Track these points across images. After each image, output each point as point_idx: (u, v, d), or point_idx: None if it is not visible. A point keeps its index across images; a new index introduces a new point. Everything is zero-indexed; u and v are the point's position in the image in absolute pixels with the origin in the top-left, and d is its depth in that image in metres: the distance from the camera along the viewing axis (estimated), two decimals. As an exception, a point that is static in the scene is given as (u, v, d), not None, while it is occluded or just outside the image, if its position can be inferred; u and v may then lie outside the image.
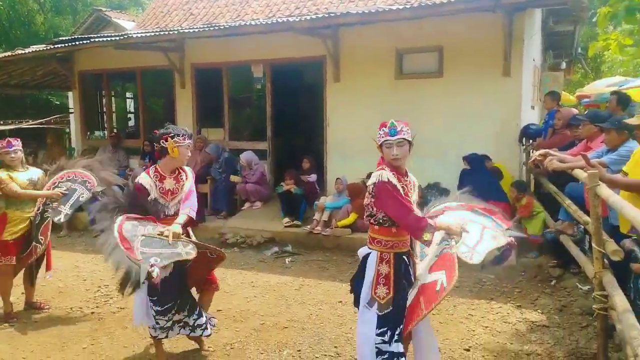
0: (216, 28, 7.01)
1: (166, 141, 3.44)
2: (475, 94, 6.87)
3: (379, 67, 7.37)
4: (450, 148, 6.99)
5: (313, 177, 7.64)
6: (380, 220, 2.81)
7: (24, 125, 14.90)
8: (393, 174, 2.75)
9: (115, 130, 10.22)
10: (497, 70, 6.72)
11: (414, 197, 2.86)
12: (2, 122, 15.01)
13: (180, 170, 3.60)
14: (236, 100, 10.09)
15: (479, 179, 5.98)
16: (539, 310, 4.58)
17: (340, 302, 4.80)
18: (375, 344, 2.73)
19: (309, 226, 6.80)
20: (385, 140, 2.75)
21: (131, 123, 11.93)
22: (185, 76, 8.81)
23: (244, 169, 7.91)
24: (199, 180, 6.45)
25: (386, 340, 2.72)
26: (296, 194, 7.12)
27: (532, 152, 6.25)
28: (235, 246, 6.83)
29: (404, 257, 2.85)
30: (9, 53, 9.28)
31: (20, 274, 4.68)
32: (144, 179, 3.43)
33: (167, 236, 3.20)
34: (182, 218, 3.41)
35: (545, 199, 5.95)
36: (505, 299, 4.85)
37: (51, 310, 4.68)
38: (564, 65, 12.25)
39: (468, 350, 3.85)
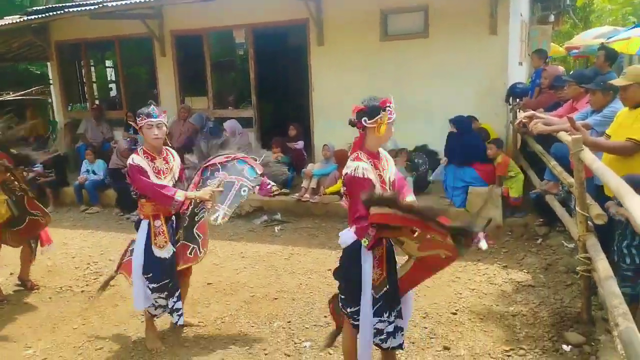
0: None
1: (137, 124, 3.40)
2: (461, 53, 6.75)
3: (364, 29, 7.19)
4: (436, 110, 6.93)
5: (300, 144, 7.57)
6: None
7: (4, 98, 14.56)
8: (370, 161, 2.66)
9: (97, 102, 9.99)
10: (484, 29, 6.59)
11: (389, 174, 2.78)
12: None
13: (168, 152, 3.55)
14: (219, 67, 9.85)
15: (466, 141, 5.96)
16: (524, 270, 4.67)
17: (330, 270, 4.75)
18: (374, 324, 2.70)
19: (297, 194, 6.79)
20: (390, 119, 2.63)
21: (113, 93, 11.65)
22: (165, 44, 8.56)
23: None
24: (185, 149, 6.36)
25: (384, 319, 2.70)
26: (283, 162, 7.05)
27: (519, 112, 6.22)
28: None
29: None
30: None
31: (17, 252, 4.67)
32: (138, 159, 3.36)
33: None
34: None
35: (532, 158, 5.95)
36: (492, 260, 4.92)
37: (41, 290, 4.68)
38: (552, 17, 12.05)
39: (455, 313, 3.92)
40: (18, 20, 8.49)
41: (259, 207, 6.85)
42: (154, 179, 3.35)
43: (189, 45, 8.70)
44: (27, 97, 14.97)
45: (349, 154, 2.83)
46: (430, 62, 6.95)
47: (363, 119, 2.67)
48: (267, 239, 5.92)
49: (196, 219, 3.62)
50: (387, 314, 2.71)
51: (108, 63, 11.98)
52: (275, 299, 4.29)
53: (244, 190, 3.59)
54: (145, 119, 3.35)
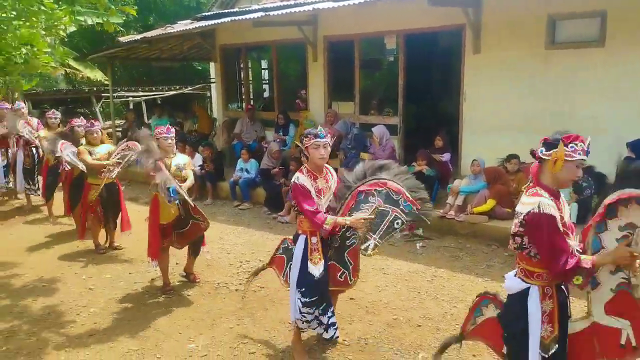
0: (349, 4, 6.80)
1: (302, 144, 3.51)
2: (644, 66, 5.92)
3: (527, 35, 6.65)
4: (608, 128, 6.16)
5: (446, 157, 7.29)
6: (532, 255, 2.48)
7: (173, 92, 16.35)
8: (552, 199, 2.42)
9: (251, 102, 10.69)
10: (678, 39, 5.69)
11: (566, 217, 2.50)
12: (154, 89, 16.63)
13: (327, 171, 3.63)
14: (367, 73, 9.90)
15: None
16: None
17: (477, 300, 4.59)
18: None
19: (441, 210, 6.56)
20: (580, 160, 2.37)
21: (266, 94, 12.37)
22: (318, 49, 8.82)
23: (373, 145, 7.80)
24: (329, 155, 6.52)
25: None
26: (429, 176, 6.86)
27: None
28: (364, 226, 6.85)
29: (563, 287, 2.56)
30: (161, 31, 10.05)
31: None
32: (303, 179, 3.48)
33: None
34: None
35: None
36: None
37: (201, 284, 5.14)
38: None
39: None
40: (189, 28, 9.38)
41: (400, 219, 6.75)
42: (315, 198, 3.45)
43: (340, 51, 8.86)
44: (193, 92, 16.66)
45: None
46: (605, 74, 6.20)
47: (540, 149, 2.46)
48: (408, 256, 5.81)
49: (347, 243, 3.64)
50: None
51: (263, 66, 12.74)
52: (419, 325, 4.19)
53: (397, 223, 3.44)
54: (312, 139, 3.43)
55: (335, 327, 3.60)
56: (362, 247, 3.47)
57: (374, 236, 3.44)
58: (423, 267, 5.43)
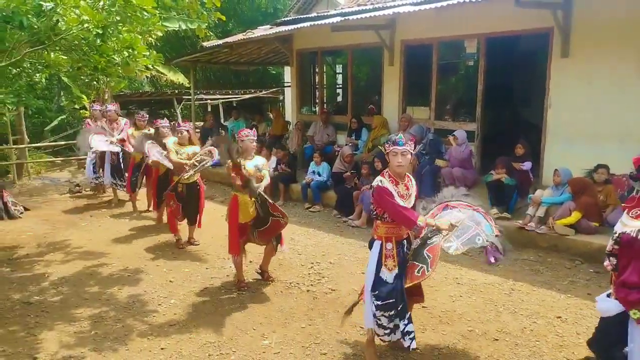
0: (433, 6, 6.68)
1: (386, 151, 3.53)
2: None
3: (623, 39, 6.22)
4: None
5: (527, 165, 6.96)
6: None
7: (246, 96, 16.89)
8: None
9: (325, 106, 10.79)
10: None
11: None
12: (230, 92, 17.26)
13: (409, 178, 3.63)
14: (445, 77, 9.70)
15: None
16: None
17: (559, 317, 4.35)
18: None
19: (520, 221, 6.26)
20: None
21: (339, 99, 12.45)
22: (395, 53, 8.76)
23: (448, 151, 7.61)
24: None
25: None
26: (507, 184, 6.59)
27: None
28: (437, 233, 6.70)
29: None
30: (241, 36, 10.41)
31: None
32: (385, 182, 3.50)
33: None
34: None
35: None
36: None
37: (274, 283, 5.24)
38: None
39: None
40: (268, 33, 9.63)
41: (476, 228, 6.53)
42: (398, 201, 3.43)
43: (417, 55, 8.74)
44: (266, 95, 17.15)
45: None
46: None
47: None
48: (484, 266, 5.60)
49: (428, 242, 3.62)
50: None
51: (337, 70, 12.84)
52: (496, 340, 4.02)
53: (479, 239, 3.60)
54: (391, 146, 3.46)
55: (412, 336, 3.53)
56: (446, 245, 3.56)
57: (457, 241, 3.57)
58: (499, 280, 5.22)
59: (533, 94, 7.50)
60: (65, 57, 4.47)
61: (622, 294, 2.28)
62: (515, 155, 7.14)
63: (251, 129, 5.71)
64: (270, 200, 4.94)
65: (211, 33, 12.36)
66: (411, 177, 3.67)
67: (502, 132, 8.62)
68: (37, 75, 5.55)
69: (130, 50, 3.82)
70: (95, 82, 9.19)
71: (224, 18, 4.73)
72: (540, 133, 7.23)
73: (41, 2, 3.83)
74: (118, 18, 3.70)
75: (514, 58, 9.53)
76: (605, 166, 6.03)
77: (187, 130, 6.32)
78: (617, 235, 2.29)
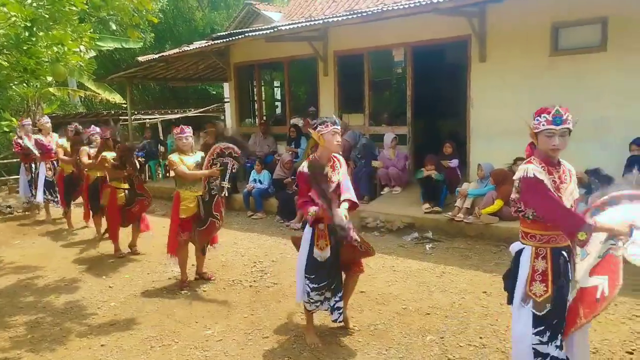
0: (360, 15, 7.12)
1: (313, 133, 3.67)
2: (646, 69, 6.08)
3: (531, 43, 6.88)
4: (613, 131, 6.32)
5: (454, 162, 7.45)
6: (530, 217, 2.64)
7: (188, 114, 16.79)
8: (542, 166, 2.58)
9: (264, 118, 10.99)
10: (677, 40, 5.85)
11: (570, 186, 2.64)
12: (170, 112, 17.10)
13: (335, 159, 3.72)
14: (376, 85, 10.18)
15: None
16: None
17: (485, 292, 4.69)
18: (532, 343, 2.60)
19: (450, 213, 6.68)
20: (547, 129, 2.55)
21: (278, 110, 12.70)
22: (329, 64, 9.13)
23: (381, 152, 8.02)
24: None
25: (544, 340, 2.58)
26: (437, 180, 7.02)
27: None
28: (375, 230, 6.99)
29: (563, 252, 2.66)
30: (177, 50, 10.47)
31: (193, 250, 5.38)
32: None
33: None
34: (346, 204, 3.52)
35: None
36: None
37: (216, 281, 5.30)
38: None
39: (631, 353, 3.53)
40: (205, 45, 9.77)
41: (410, 224, 6.89)
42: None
43: (349, 65, 9.16)
44: (206, 114, 17.10)
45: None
46: (608, 78, 6.37)
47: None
48: (418, 255, 5.92)
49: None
50: (547, 336, 2.59)
51: (275, 83, 13.13)
52: (428, 314, 4.29)
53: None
54: (330, 126, 3.58)
55: (340, 311, 3.72)
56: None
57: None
58: (432, 265, 5.54)
59: (459, 97, 8.06)
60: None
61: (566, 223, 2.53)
62: (444, 154, 7.63)
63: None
64: (221, 198, 5.04)
65: (143, 35, 12.16)
66: (340, 157, 3.79)
67: (432, 134, 9.13)
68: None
69: (60, 47, 3.82)
70: (24, 93, 8.88)
71: (155, 20, 4.79)
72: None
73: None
74: (47, 15, 3.71)
75: (440, 65, 10.15)
76: (523, 159, 6.53)
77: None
78: (517, 182, 2.62)
